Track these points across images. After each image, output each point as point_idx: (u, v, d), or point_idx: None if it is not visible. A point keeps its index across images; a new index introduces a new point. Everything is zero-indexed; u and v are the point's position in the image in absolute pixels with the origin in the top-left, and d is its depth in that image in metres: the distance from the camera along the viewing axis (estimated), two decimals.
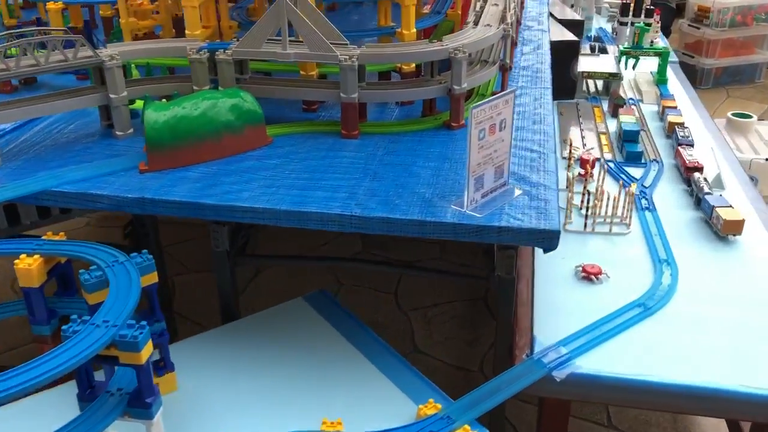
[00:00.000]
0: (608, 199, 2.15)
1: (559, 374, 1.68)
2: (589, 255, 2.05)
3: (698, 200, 2.25)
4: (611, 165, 2.49)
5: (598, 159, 2.45)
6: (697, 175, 2.33)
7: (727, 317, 1.81)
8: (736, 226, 2.09)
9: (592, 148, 2.62)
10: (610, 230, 2.15)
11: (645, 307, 1.83)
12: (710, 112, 3.24)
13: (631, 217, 2.18)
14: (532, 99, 2.26)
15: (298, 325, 1.93)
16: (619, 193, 2.19)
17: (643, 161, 2.54)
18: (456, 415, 1.55)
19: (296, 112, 2.16)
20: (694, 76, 5.58)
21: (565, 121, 2.88)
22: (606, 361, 1.68)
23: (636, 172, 2.47)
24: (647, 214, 2.24)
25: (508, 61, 2.22)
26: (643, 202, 2.30)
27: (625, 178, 2.43)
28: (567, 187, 2.30)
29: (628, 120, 2.74)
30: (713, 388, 1.60)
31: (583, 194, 2.20)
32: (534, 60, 2.59)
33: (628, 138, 2.64)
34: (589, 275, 1.94)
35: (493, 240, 1.64)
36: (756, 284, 1.93)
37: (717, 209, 2.11)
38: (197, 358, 1.80)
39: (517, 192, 1.74)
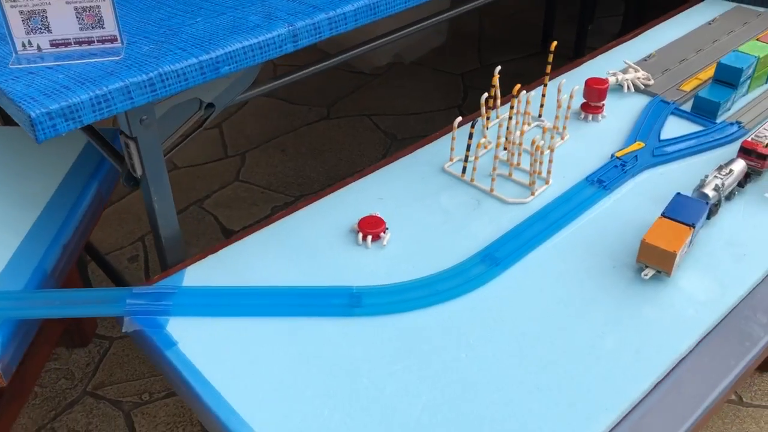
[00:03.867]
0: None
1: (130, 324, 1.08)
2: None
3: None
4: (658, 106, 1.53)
5: None
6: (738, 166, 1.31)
7: None
8: (662, 259, 1.14)
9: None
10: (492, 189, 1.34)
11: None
12: None
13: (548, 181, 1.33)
14: None
15: None
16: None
17: (716, 121, 1.53)
18: None
19: None
20: None
21: None
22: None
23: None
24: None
25: None
26: None
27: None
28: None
29: (748, 49, 1.64)
30: None
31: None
32: None
33: (722, 76, 1.59)
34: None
35: None
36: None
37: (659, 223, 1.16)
38: None
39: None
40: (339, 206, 1.33)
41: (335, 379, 1.03)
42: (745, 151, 1.37)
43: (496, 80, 1.45)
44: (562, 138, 1.51)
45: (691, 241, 1.19)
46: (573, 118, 1.58)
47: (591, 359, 1.05)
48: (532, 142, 1.35)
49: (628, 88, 1.65)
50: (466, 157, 1.38)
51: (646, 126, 1.53)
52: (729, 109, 1.58)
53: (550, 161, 1.37)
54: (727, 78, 1.59)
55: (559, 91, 1.48)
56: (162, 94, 1.00)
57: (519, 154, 1.42)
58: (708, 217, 1.27)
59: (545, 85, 1.53)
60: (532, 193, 1.35)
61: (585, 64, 1.78)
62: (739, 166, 1.32)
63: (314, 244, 1.25)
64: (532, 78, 1.71)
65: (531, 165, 1.35)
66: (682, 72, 1.70)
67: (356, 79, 3.16)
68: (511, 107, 1.41)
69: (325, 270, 1.20)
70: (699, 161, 1.43)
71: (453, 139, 1.42)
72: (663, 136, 1.52)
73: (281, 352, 1.07)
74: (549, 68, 1.51)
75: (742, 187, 1.34)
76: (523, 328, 1.10)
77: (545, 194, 1.36)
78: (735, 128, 1.52)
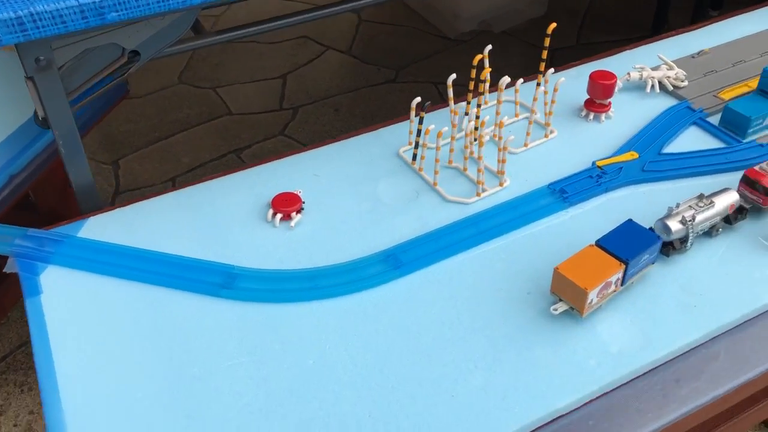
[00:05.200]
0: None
1: (12, 265, 1.07)
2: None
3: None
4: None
5: None
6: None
7: None
8: (574, 295, 0.95)
9: None
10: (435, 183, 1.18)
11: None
12: None
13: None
14: None
15: None
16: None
17: (744, 139, 1.28)
18: None
19: None
20: None
21: None
22: None
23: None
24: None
25: None
26: None
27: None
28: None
29: None
30: None
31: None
32: None
33: (766, 86, 1.32)
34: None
35: None
36: None
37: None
38: None
39: None
40: (268, 178, 1.24)
41: (167, 362, 0.95)
42: (748, 182, 1.12)
43: (476, 61, 1.28)
44: (546, 136, 1.31)
45: (624, 280, 0.99)
46: (572, 115, 1.37)
47: (445, 396, 0.90)
48: (493, 137, 1.19)
49: (653, 87, 1.41)
50: (417, 143, 1.24)
51: (651, 134, 1.30)
52: (767, 127, 1.31)
53: (503, 161, 1.19)
54: None
55: (539, 84, 1.29)
56: (35, 35, 0.95)
57: (480, 147, 1.25)
58: (667, 254, 1.06)
59: (542, 73, 1.33)
60: (478, 194, 1.19)
61: (624, 53, 1.54)
62: (728, 198, 1.09)
63: (224, 215, 1.17)
64: None
65: (479, 161, 1.19)
66: (728, 76, 1.43)
67: (437, 43, 3.00)
68: (502, 98, 1.25)
69: (220, 243, 1.12)
70: (700, 184, 1.19)
71: (411, 121, 1.28)
72: (673, 149, 1.28)
73: (132, 320, 1.01)
74: (545, 53, 1.31)
75: (731, 224, 1.11)
76: (389, 344, 0.96)
77: (496, 196, 1.20)
78: (764, 151, 1.26)
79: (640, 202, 1.17)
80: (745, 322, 1.00)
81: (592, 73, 1.32)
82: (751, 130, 1.29)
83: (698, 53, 1.51)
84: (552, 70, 1.31)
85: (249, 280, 1.05)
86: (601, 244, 1.00)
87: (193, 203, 1.20)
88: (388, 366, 0.94)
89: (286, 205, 1.16)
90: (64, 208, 1.72)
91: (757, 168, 1.12)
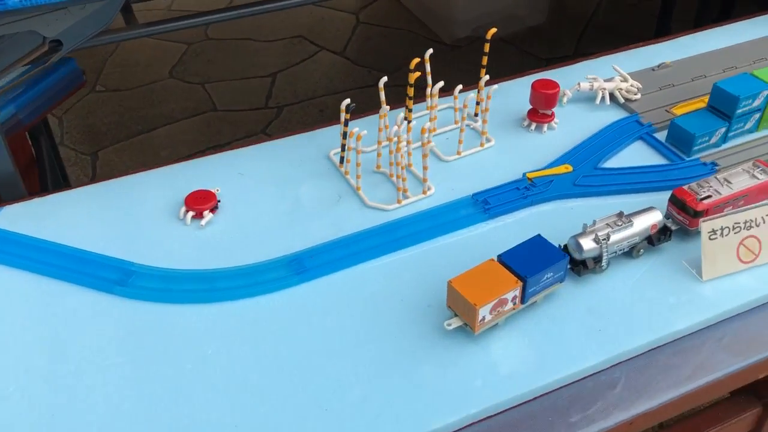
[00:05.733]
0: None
1: None
2: None
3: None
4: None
5: None
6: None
7: None
8: (466, 311, 0.90)
9: None
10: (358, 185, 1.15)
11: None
12: None
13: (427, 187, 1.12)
14: None
15: None
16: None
17: (688, 157, 1.22)
18: None
19: None
20: None
21: None
22: None
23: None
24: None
25: None
26: None
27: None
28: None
29: (765, 74, 1.28)
30: None
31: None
32: None
33: (716, 102, 1.26)
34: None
35: None
36: None
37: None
38: None
39: None
40: (192, 175, 1.22)
41: (46, 357, 0.93)
42: (675, 202, 1.07)
43: (413, 65, 1.24)
44: (482, 145, 1.27)
45: (525, 298, 0.94)
46: (515, 124, 1.33)
47: (317, 410, 0.86)
48: (423, 144, 1.15)
49: (603, 98, 1.36)
50: (343, 146, 1.20)
51: (591, 147, 1.25)
52: (716, 146, 1.25)
53: (425, 168, 1.15)
54: (722, 106, 1.25)
55: (479, 89, 1.25)
56: None
57: (409, 154, 1.21)
58: (578, 273, 1.01)
59: (481, 79, 1.29)
60: (399, 201, 1.15)
61: (583, 63, 1.49)
62: (650, 218, 1.03)
63: (138, 211, 1.15)
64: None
65: (401, 168, 1.14)
66: (685, 91, 1.37)
67: (431, 48, 2.96)
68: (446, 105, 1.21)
69: (128, 239, 1.10)
70: (634, 202, 1.13)
71: (342, 123, 1.24)
72: (614, 164, 1.23)
73: (22, 312, 0.99)
74: (485, 59, 1.27)
75: (653, 245, 1.05)
76: (274, 353, 0.93)
77: (418, 204, 1.16)
78: (705, 170, 1.20)
79: (565, 218, 1.12)
80: (651, 350, 0.95)
81: (534, 82, 1.28)
82: (696, 148, 1.23)
83: (659, 66, 1.45)
84: (487, 77, 1.27)
85: (146, 279, 1.03)
86: (502, 258, 0.96)
87: (110, 198, 1.18)
88: (266, 375, 0.91)
89: (199, 203, 1.13)
90: None
91: (686, 188, 1.07)
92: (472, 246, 1.08)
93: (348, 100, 1.21)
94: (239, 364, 0.92)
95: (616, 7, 3.19)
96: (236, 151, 1.28)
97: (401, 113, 1.19)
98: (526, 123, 1.31)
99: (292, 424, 0.85)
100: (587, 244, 0.99)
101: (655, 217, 1.03)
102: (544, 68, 1.49)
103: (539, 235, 0.99)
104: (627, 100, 1.35)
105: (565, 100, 1.36)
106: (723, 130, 1.24)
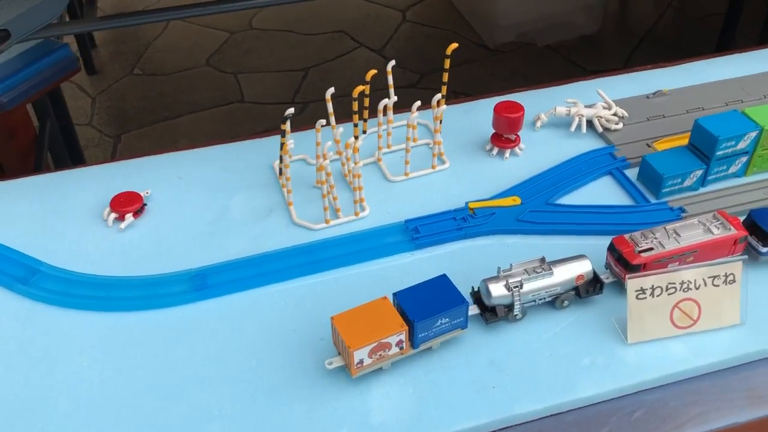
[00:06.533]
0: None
1: None
2: None
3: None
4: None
5: None
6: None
7: None
8: (344, 351, 0.84)
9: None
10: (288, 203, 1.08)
11: None
12: None
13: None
14: None
15: None
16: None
17: (657, 199, 1.10)
18: None
19: None
20: None
21: None
22: None
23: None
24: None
25: None
26: None
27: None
28: None
29: (756, 114, 1.14)
30: None
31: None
32: None
33: (697, 140, 1.13)
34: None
35: None
36: None
37: None
38: None
39: None
40: (130, 174, 1.19)
41: None
42: (612, 251, 0.96)
43: (369, 76, 1.17)
44: (434, 167, 1.19)
45: (415, 342, 0.87)
46: (478, 148, 1.23)
47: None
48: (356, 163, 1.08)
49: (579, 126, 1.24)
50: (280, 157, 1.15)
51: (549, 179, 1.14)
52: (692, 189, 1.12)
53: (358, 188, 1.08)
54: (702, 145, 1.12)
55: (434, 106, 1.16)
56: None
57: (355, 176, 1.13)
58: (486, 320, 0.92)
59: (443, 96, 1.20)
60: (327, 221, 1.09)
61: (567, 86, 1.37)
62: (577, 268, 0.92)
63: (65, 208, 1.13)
64: None
65: (329, 186, 1.08)
66: (675, 124, 1.23)
67: (473, 51, 2.85)
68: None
69: (45, 237, 1.08)
70: (581, 244, 1.02)
71: (285, 129, 1.18)
72: (574, 199, 1.12)
73: None
74: (446, 76, 1.18)
75: (580, 297, 0.94)
76: (143, 374, 0.89)
77: (348, 226, 1.09)
78: (671, 216, 1.07)
79: (498, 255, 1.03)
80: (546, 417, 0.85)
81: (497, 104, 1.18)
82: (666, 190, 1.11)
83: (655, 93, 1.32)
84: (439, 95, 1.19)
85: (49, 280, 1.01)
86: (396, 297, 0.88)
87: (43, 192, 1.16)
88: (125, 398, 0.87)
89: (123, 205, 1.10)
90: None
91: (627, 237, 0.96)
92: (390, 277, 1.01)
93: (292, 110, 1.16)
94: (109, 380, 0.88)
95: (679, 21, 2.99)
96: (183, 153, 1.25)
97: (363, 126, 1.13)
98: (488, 147, 1.22)
99: None
100: (497, 290, 0.90)
101: (582, 267, 0.93)
102: (546, 84, 1.39)
103: (444, 275, 0.91)
104: (606, 129, 1.24)
105: (538, 124, 1.26)
106: (700, 172, 1.11)
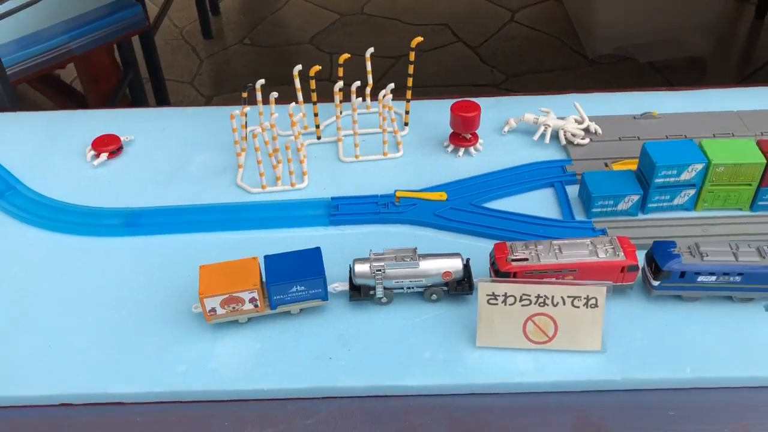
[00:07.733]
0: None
1: None
2: None
3: None
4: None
5: None
6: None
7: None
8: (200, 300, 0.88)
9: None
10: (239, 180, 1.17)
11: None
12: None
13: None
14: None
15: None
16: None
17: (585, 218, 1.07)
18: None
19: None
20: None
21: None
22: None
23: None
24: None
25: None
26: None
27: None
28: None
29: (710, 147, 1.06)
30: None
31: None
32: None
33: (643, 165, 1.08)
34: None
35: None
36: None
37: None
38: None
39: None
40: (127, 120, 1.32)
41: None
42: (490, 255, 0.95)
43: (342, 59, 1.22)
44: (385, 154, 1.21)
45: (272, 304, 0.92)
46: (438, 143, 1.25)
47: (46, 350, 0.94)
48: (296, 137, 1.15)
49: (543, 135, 1.21)
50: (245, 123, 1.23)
51: (485, 182, 1.14)
52: (629, 213, 1.07)
53: (301, 161, 1.14)
54: (645, 171, 1.07)
55: (379, 101, 1.22)
56: None
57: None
58: (350, 298, 0.95)
59: (409, 89, 1.23)
60: (263, 186, 1.16)
61: (563, 96, 1.34)
62: (445, 264, 0.93)
63: (63, 142, 1.29)
64: None
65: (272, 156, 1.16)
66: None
67: (569, 59, 2.77)
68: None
69: (31, 163, 1.23)
70: (481, 246, 1.01)
71: (244, 97, 1.27)
72: (502, 206, 1.11)
73: None
74: (411, 68, 1.21)
75: (447, 292, 0.95)
76: (57, 288, 1.01)
77: (283, 195, 1.16)
78: (590, 236, 1.03)
79: (401, 244, 1.04)
80: (369, 396, 0.87)
81: (454, 104, 1.19)
82: (596, 210, 1.07)
83: (642, 114, 1.26)
84: (392, 85, 1.24)
85: (18, 197, 1.16)
86: (266, 259, 0.94)
87: (47, 125, 1.33)
88: (33, 305, 1.00)
89: (103, 144, 1.25)
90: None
91: (509, 244, 0.95)
92: (295, 246, 1.05)
93: (262, 81, 1.25)
94: (31, 287, 1.02)
95: None
96: (182, 109, 1.38)
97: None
98: (445, 144, 1.23)
99: (22, 356, 0.94)
100: (361, 269, 0.94)
101: (452, 265, 0.94)
102: (545, 92, 1.38)
103: (318, 248, 0.95)
104: (569, 142, 1.21)
105: (506, 129, 1.25)
106: (636, 197, 1.06)
